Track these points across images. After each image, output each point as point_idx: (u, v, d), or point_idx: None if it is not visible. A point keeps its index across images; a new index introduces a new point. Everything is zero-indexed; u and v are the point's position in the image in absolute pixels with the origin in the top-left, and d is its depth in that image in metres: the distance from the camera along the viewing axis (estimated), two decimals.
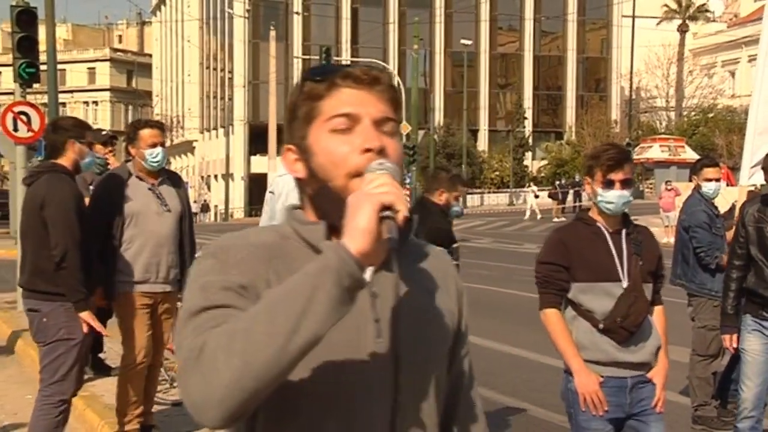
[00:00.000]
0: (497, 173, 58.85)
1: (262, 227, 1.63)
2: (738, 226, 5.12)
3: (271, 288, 1.42)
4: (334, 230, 1.50)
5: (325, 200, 1.53)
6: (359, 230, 1.33)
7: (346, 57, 57.04)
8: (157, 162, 5.56)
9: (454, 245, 5.62)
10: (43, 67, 12.63)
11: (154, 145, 5.55)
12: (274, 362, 1.28)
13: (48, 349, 5.04)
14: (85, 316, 4.98)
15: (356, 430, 1.49)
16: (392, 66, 57.81)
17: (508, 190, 55.69)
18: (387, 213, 1.35)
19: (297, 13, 60.02)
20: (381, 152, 1.48)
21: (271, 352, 1.27)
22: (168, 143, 54.38)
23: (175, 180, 5.84)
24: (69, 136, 5.15)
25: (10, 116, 11.72)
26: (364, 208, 1.34)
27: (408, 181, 40.60)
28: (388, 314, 1.52)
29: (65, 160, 5.14)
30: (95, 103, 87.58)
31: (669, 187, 28.48)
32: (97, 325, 5.06)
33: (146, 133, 5.57)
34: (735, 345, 5.13)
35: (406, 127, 43.16)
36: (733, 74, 65.71)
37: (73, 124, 5.34)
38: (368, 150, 1.48)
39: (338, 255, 1.31)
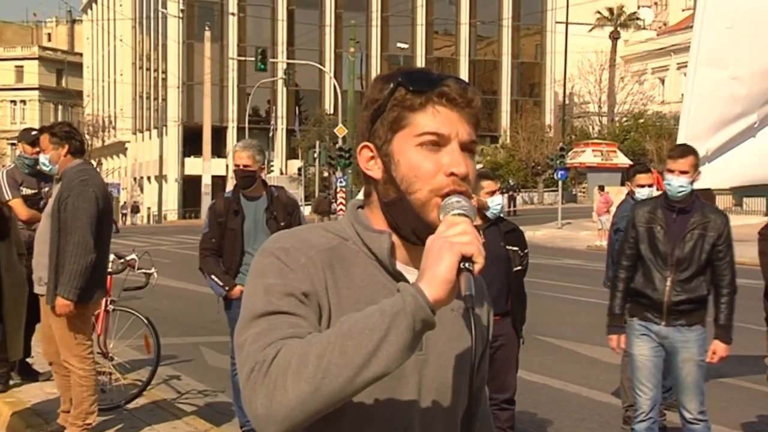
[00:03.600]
0: None
1: (317, 225, 1.62)
2: (628, 226, 5.08)
3: (329, 294, 1.50)
4: (398, 237, 1.57)
5: (400, 212, 1.55)
6: (439, 279, 1.36)
7: (282, 59, 56.77)
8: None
9: None
10: None
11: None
12: (340, 391, 1.34)
13: None
14: None
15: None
16: (328, 68, 57.75)
17: None
18: (466, 265, 1.37)
19: (232, 14, 59.57)
20: (464, 178, 1.52)
21: (339, 382, 1.33)
22: (99, 144, 53.15)
23: (65, 178, 5.35)
24: None
25: None
26: (445, 257, 1.36)
27: (343, 183, 40.57)
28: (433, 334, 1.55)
29: None
30: (23, 102, 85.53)
31: (601, 193, 29.00)
32: None
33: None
34: (623, 346, 5.10)
35: (342, 130, 43.11)
36: (662, 81, 67.18)
37: None
38: (453, 174, 1.51)
39: (416, 301, 1.35)
